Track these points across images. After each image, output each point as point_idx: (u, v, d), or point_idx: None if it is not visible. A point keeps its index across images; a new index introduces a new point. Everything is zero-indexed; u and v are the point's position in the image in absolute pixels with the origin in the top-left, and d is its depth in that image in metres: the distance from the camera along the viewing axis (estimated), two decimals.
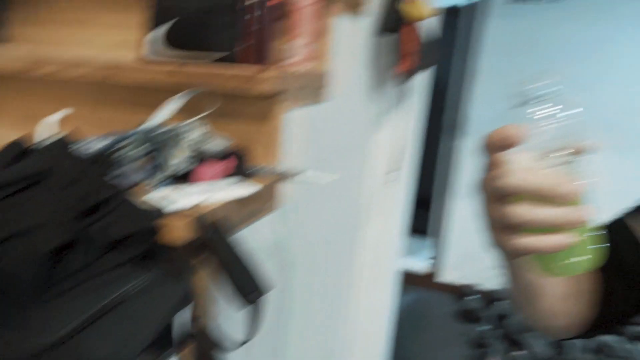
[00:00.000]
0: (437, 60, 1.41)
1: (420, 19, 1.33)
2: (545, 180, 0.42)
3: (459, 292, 3.26)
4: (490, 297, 3.11)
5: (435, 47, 1.40)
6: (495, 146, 0.44)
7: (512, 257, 0.56)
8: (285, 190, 0.99)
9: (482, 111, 3.08)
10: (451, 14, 3.52)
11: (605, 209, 0.59)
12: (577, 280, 0.66)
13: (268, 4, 0.93)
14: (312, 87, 1.06)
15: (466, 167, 3.18)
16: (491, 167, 0.45)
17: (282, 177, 0.92)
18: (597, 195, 0.45)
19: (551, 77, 0.45)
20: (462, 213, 3.22)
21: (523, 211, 0.43)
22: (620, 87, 2.66)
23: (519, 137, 0.43)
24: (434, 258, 3.43)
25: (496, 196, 0.45)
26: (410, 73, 1.36)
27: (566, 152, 0.44)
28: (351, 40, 1.28)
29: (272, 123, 0.92)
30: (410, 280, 3.35)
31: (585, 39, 2.65)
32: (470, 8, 3.06)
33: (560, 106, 0.44)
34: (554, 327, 0.70)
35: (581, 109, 0.44)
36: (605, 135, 2.41)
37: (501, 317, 2.85)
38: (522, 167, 0.43)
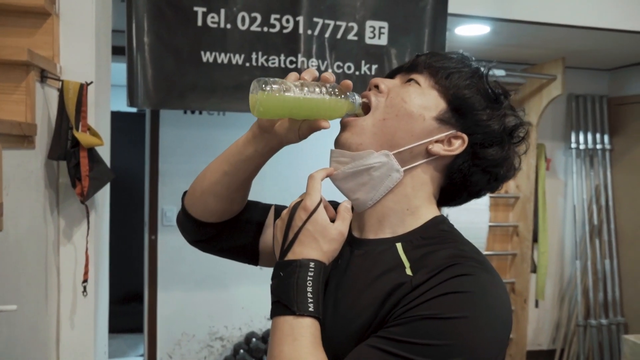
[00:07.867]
0: (110, 177, 1.61)
1: (92, 145, 1.52)
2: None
3: None
4: None
5: (106, 167, 1.61)
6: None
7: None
8: None
9: (173, 206, 3.40)
10: (139, 117, 3.77)
11: None
12: (246, 172, 0.88)
13: None
14: None
15: (167, 259, 3.37)
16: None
17: None
18: None
19: None
20: (169, 304, 3.37)
21: None
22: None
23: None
24: (142, 355, 3.47)
25: None
26: (89, 191, 1.52)
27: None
28: (23, 171, 1.39)
29: None
30: None
31: None
32: (154, 114, 3.38)
33: None
34: (206, 205, 0.89)
35: None
36: None
37: None
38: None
